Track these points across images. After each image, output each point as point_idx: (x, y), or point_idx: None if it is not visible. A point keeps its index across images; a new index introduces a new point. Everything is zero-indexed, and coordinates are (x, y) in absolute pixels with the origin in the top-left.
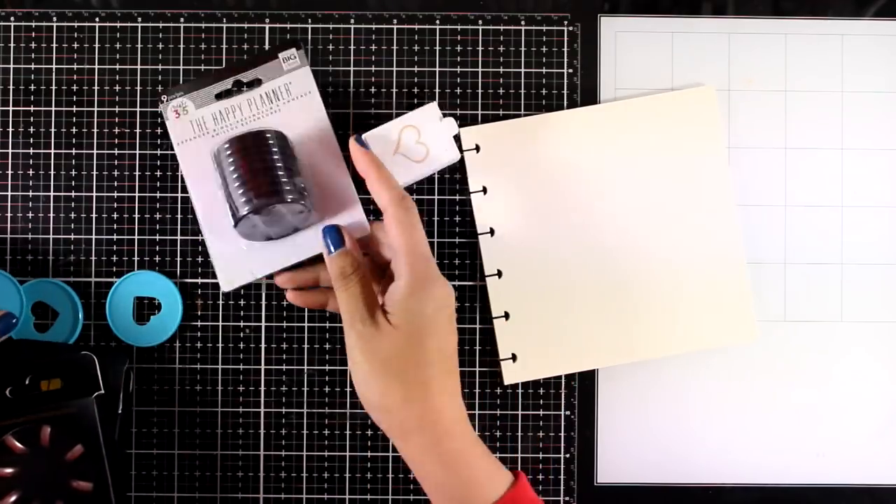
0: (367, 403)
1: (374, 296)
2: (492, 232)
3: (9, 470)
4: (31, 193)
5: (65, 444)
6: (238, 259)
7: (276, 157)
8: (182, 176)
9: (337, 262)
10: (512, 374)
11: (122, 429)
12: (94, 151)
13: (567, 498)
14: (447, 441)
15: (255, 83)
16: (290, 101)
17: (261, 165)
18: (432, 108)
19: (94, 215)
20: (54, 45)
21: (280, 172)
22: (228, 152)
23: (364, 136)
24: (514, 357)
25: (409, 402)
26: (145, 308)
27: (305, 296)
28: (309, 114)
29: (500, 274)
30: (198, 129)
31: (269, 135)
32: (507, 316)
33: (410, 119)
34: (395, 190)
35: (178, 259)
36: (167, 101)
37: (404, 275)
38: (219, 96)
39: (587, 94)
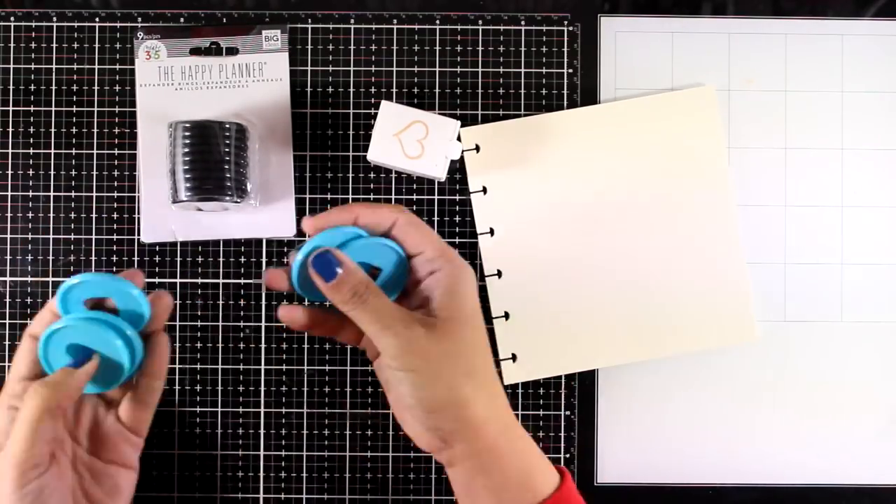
0: (432, 411)
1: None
2: (492, 232)
3: None
4: (31, 193)
5: None
6: (165, 217)
7: (228, 150)
8: (137, 120)
9: (342, 287)
10: (512, 374)
11: None
12: (94, 151)
13: None
14: (516, 427)
15: (233, 51)
16: (259, 81)
17: (212, 159)
18: (453, 126)
19: (94, 215)
20: (54, 45)
21: (227, 167)
22: (186, 135)
23: (385, 105)
24: (514, 357)
25: (481, 390)
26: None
27: (314, 322)
28: (274, 100)
29: (499, 274)
30: (164, 77)
31: (227, 127)
32: (506, 316)
33: (430, 118)
34: (393, 205)
35: (178, 259)
36: (142, 39)
37: (442, 266)
38: (194, 51)
39: (587, 94)
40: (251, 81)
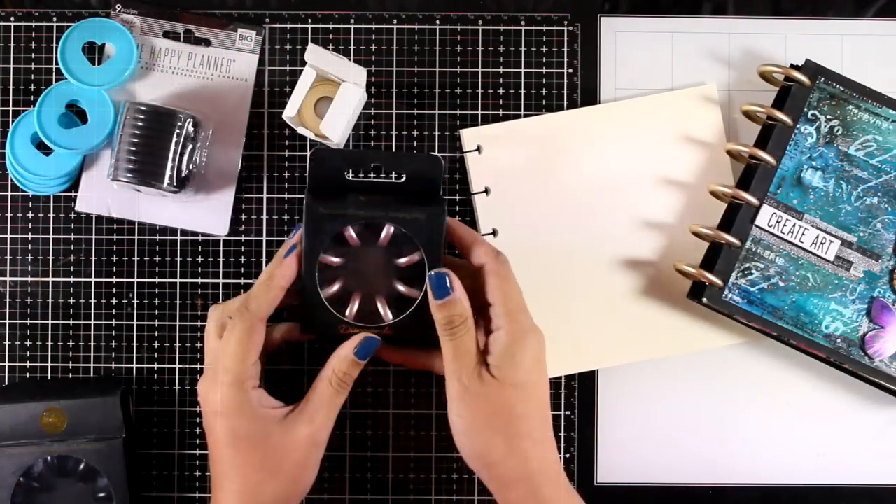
0: (468, 456)
1: (478, 347)
2: (495, 233)
3: (337, 260)
4: (31, 193)
5: (400, 249)
6: (103, 189)
7: (175, 140)
8: None
9: (444, 310)
10: None
11: None
12: None
13: None
14: (547, 489)
15: (205, 42)
16: (225, 78)
17: (157, 146)
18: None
19: (94, 215)
20: (54, 45)
21: (171, 156)
22: (139, 118)
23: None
24: None
25: (512, 456)
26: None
27: (405, 355)
28: (235, 100)
29: None
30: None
31: (181, 117)
32: None
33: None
34: (490, 245)
35: (178, 259)
36: (120, 10)
37: (504, 326)
38: (166, 34)
39: (587, 94)
40: (216, 76)
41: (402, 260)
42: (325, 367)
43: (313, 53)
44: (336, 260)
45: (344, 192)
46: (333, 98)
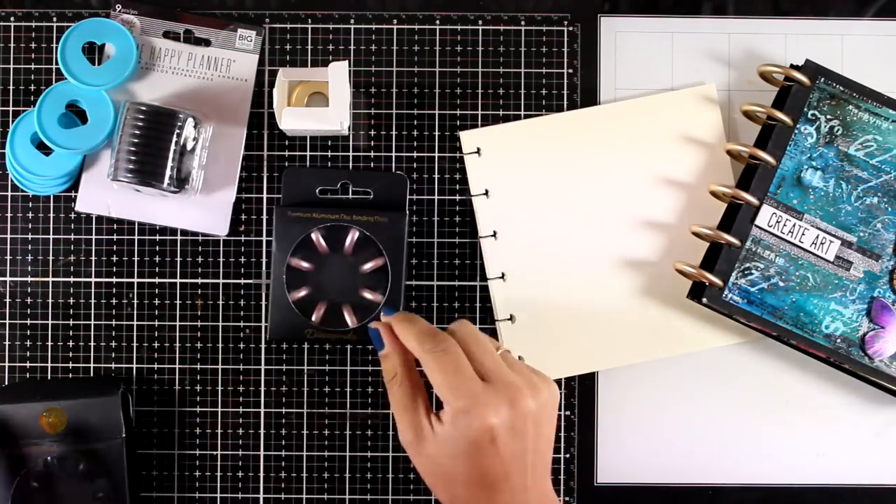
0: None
1: (422, 396)
2: (495, 235)
3: (306, 265)
4: (31, 193)
5: (366, 256)
6: (103, 190)
7: (175, 140)
8: None
9: (382, 363)
10: None
11: None
12: None
13: (567, 498)
14: None
15: (205, 42)
16: (225, 78)
17: (157, 146)
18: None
19: (94, 215)
20: (54, 45)
21: (171, 156)
22: (139, 118)
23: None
24: (520, 360)
25: None
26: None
27: None
28: (235, 100)
29: (504, 277)
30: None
31: (182, 117)
32: (512, 319)
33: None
34: (421, 332)
35: (178, 259)
36: (120, 10)
37: (445, 411)
38: (166, 34)
39: (587, 94)
40: (216, 76)
41: (367, 266)
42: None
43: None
44: (305, 265)
45: (314, 204)
46: (320, 90)
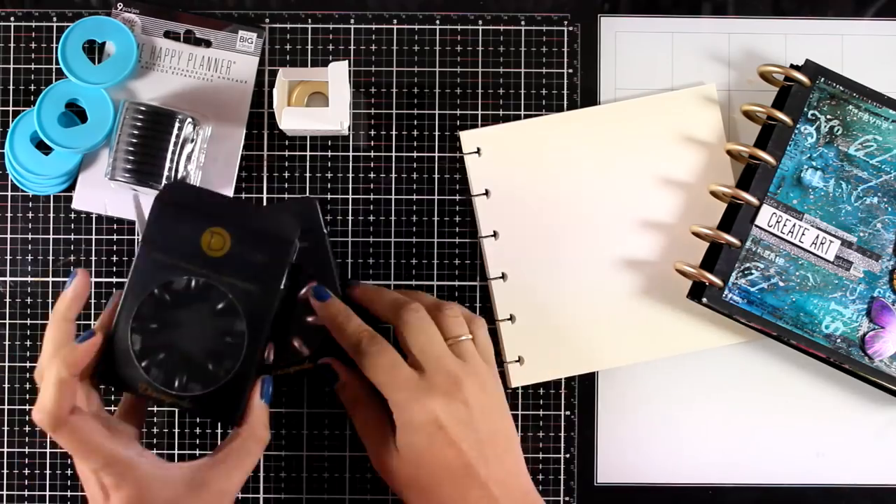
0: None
1: (381, 419)
2: (495, 235)
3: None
4: (30, 193)
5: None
6: (100, 188)
7: (173, 140)
8: None
9: (340, 395)
10: (518, 377)
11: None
12: None
13: (567, 498)
14: None
15: (205, 43)
16: (225, 80)
17: (156, 146)
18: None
19: (94, 215)
20: (54, 45)
21: (169, 157)
22: (137, 118)
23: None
24: (520, 360)
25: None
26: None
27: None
28: (234, 101)
29: (504, 277)
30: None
31: (181, 118)
32: (512, 319)
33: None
34: (355, 333)
35: None
36: (121, 9)
37: (392, 410)
38: (167, 34)
39: (587, 94)
40: (216, 77)
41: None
42: (248, 419)
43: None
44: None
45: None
46: (320, 90)
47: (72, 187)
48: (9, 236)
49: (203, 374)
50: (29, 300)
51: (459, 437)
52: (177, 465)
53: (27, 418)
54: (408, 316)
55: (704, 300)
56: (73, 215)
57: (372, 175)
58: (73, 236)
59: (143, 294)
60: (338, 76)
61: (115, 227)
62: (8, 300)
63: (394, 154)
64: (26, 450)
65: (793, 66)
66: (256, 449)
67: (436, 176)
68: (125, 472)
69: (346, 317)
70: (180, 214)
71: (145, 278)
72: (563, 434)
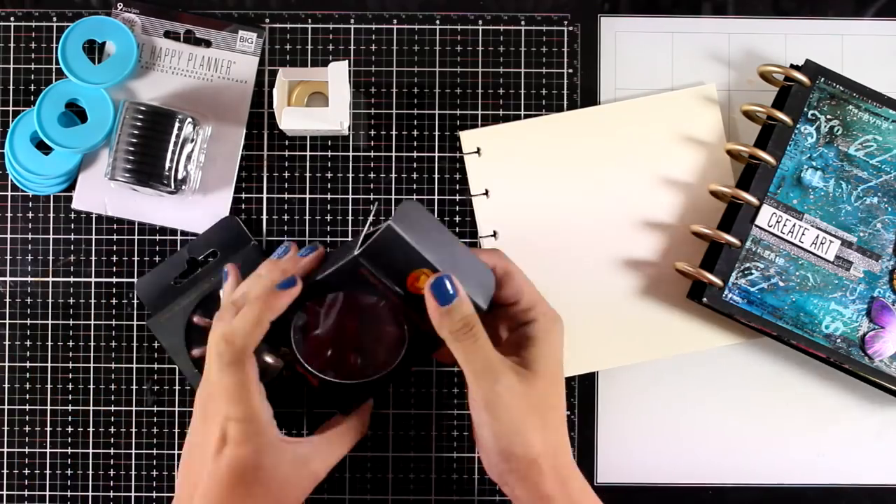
0: (501, 455)
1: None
2: (495, 234)
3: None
4: (30, 193)
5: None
6: (100, 188)
7: (173, 141)
8: None
9: (457, 312)
10: None
11: None
12: None
13: None
14: (572, 480)
15: (205, 43)
16: (225, 80)
17: (155, 146)
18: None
19: (94, 215)
20: (54, 45)
21: (169, 157)
22: (138, 118)
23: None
24: None
25: (547, 446)
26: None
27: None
28: (234, 101)
29: None
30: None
31: (181, 118)
32: None
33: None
34: (492, 252)
35: None
36: (121, 9)
37: (539, 318)
38: (167, 34)
39: (587, 94)
40: (216, 77)
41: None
42: (357, 411)
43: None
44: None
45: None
46: (320, 90)
47: (72, 187)
48: (9, 236)
49: (346, 367)
50: (29, 300)
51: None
52: (287, 440)
53: (27, 418)
54: (506, 264)
55: (704, 300)
56: (73, 215)
57: (372, 175)
58: (73, 236)
59: (330, 286)
60: (338, 76)
61: (114, 227)
62: (8, 300)
63: (394, 154)
64: (26, 450)
65: (793, 66)
66: (355, 439)
67: (436, 176)
68: (257, 432)
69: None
70: (405, 245)
71: (342, 279)
72: None
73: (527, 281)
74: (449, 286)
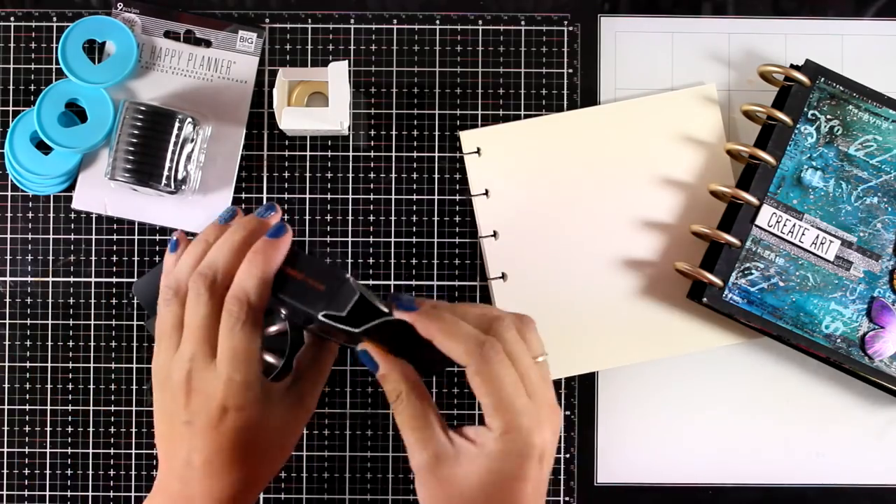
0: None
1: (434, 411)
2: (495, 235)
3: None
4: (30, 193)
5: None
6: (100, 188)
7: (173, 141)
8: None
9: (382, 384)
10: None
11: None
12: None
13: (567, 498)
14: None
15: (205, 43)
16: (225, 79)
17: (155, 146)
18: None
19: (94, 215)
20: (54, 45)
21: (169, 157)
22: (137, 118)
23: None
24: None
25: None
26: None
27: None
28: (234, 101)
29: (504, 277)
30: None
31: (181, 118)
32: None
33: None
34: (468, 341)
35: None
36: (121, 9)
37: (496, 428)
38: (167, 34)
39: (587, 94)
40: (216, 77)
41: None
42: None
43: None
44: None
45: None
46: (320, 90)
47: (72, 187)
48: (9, 236)
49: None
50: (29, 300)
51: (541, 476)
52: (279, 387)
53: (27, 418)
54: (509, 335)
55: (704, 300)
56: (73, 215)
57: (372, 175)
58: (73, 236)
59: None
60: (338, 76)
61: (114, 227)
62: (8, 300)
63: (394, 154)
64: (26, 450)
65: (793, 66)
66: (331, 363)
67: (436, 176)
68: (257, 394)
69: (451, 320)
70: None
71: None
72: (563, 434)
73: (497, 388)
74: (371, 359)
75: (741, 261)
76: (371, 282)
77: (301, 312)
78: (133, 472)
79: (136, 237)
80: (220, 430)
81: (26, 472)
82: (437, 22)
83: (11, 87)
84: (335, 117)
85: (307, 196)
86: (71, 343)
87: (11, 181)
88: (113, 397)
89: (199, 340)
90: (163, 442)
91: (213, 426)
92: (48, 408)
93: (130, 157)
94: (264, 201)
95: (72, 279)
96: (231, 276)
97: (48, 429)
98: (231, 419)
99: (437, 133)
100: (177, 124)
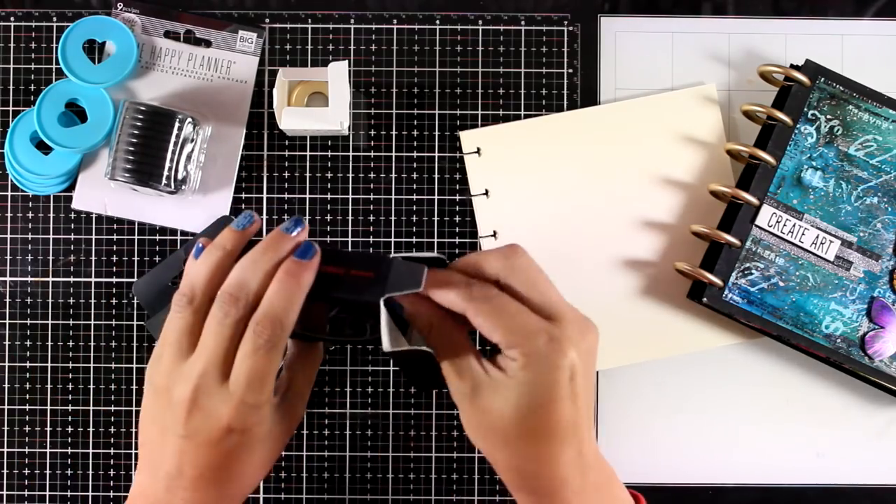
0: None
1: (467, 342)
2: (495, 235)
3: None
4: (30, 193)
5: None
6: (100, 187)
7: (173, 141)
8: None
9: (413, 324)
10: None
11: None
12: None
13: None
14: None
15: (205, 43)
16: (225, 80)
17: (155, 146)
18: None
19: (94, 215)
20: (54, 45)
21: (169, 157)
22: (137, 118)
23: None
24: None
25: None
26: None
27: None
28: (234, 101)
29: None
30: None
31: (181, 118)
32: None
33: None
34: (460, 287)
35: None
36: (121, 9)
37: (517, 357)
38: (167, 34)
39: (587, 94)
40: (216, 77)
41: None
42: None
43: (284, 75)
44: None
45: None
46: (320, 90)
47: (72, 187)
48: (9, 236)
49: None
50: (29, 300)
51: (582, 392)
52: (275, 401)
53: (27, 418)
54: (521, 260)
55: (704, 300)
56: (73, 215)
57: (372, 175)
58: (73, 236)
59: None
60: (338, 76)
61: (114, 227)
62: (8, 300)
63: (394, 154)
64: (26, 450)
65: (793, 66)
66: (317, 367)
67: (436, 176)
68: (263, 414)
69: (445, 276)
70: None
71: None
72: None
73: (504, 315)
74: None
75: (741, 261)
76: None
77: (357, 305)
78: (133, 473)
79: (136, 237)
80: (219, 448)
81: (26, 472)
82: (437, 22)
83: (11, 87)
84: (335, 117)
85: (307, 196)
86: (71, 343)
87: (11, 181)
88: (113, 397)
89: (215, 360)
90: (149, 448)
91: (213, 444)
92: (48, 408)
93: (130, 157)
94: (264, 201)
95: (72, 279)
96: (259, 297)
97: (48, 429)
98: (233, 439)
99: (437, 133)
100: (177, 124)
